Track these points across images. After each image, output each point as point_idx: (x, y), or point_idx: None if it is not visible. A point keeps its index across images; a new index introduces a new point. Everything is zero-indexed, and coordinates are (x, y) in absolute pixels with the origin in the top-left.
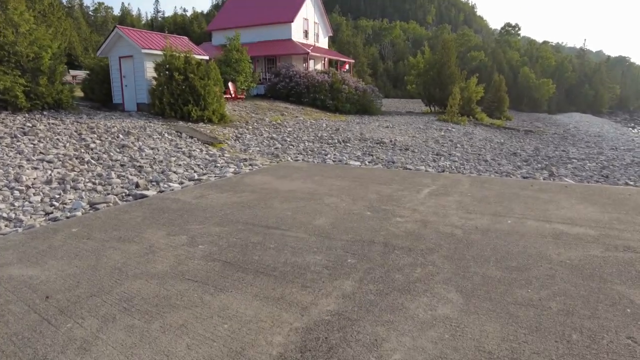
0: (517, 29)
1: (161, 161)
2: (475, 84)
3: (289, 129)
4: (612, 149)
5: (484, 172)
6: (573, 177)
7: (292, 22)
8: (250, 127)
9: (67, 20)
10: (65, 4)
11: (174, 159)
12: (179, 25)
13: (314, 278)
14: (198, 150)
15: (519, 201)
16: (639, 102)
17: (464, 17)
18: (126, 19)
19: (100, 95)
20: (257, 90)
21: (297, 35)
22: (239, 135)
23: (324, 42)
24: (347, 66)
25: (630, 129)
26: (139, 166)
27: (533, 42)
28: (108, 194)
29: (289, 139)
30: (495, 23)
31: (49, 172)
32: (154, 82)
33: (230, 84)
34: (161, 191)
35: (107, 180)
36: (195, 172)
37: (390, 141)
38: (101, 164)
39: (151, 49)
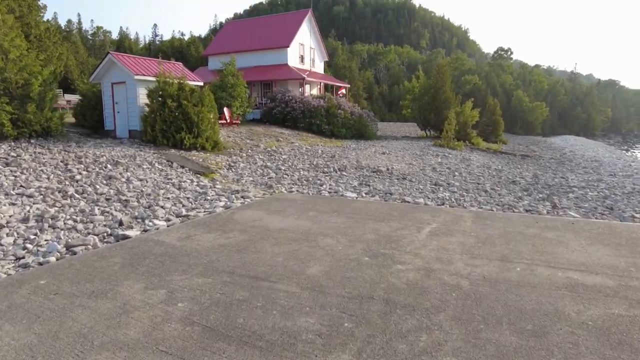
0: (509, 52)
1: (149, 194)
2: (470, 109)
3: (283, 157)
4: (611, 175)
5: (484, 204)
6: (577, 209)
7: (288, 47)
8: (245, 155)
9: (64, 44)
10: (63, 28)
11: (162, 191)
12: (176, 49)
13: (305, 350)
14: (189, 181)
15: (526, 242)
16: (630, 124)
17: (457, 41)
18: (124, 42)
19: (92, 121)
20: (253, 115)
21: (293, 60)
22: (233, 164)
23: (319, 67)
24: (342, 91)
25: (624, 151)
26: (125, 200)
27: (525, 66)
28: (89, 233)
29: (283, 168)
30: (488, 47)
31: (28, 208)
32: (147, 109)
33: (225, 109)
34: (145, 230)
35: (90, 217)
36: (183, 206)
37: (387, 169)
38: (85, 197)
39: (144, 75)
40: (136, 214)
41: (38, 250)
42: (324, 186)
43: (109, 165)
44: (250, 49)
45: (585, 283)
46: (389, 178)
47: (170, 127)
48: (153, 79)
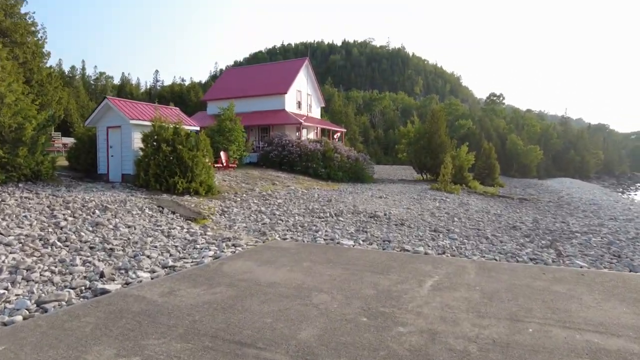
0: (501, 98)
1: (136, 242)
2: (465, 152)
3: (279, 201)
4: (612, 219)
5: (487, 252)
6: (583, 257)
7: (286, 93)
8: (239, 199)
9: (66, 89)
10: (67, 73)
11: (150, 239)
12: (176, 94)
13: None
14: (179, 227)
15: (535, 297)
16: (622, 167)
17: (450, 87)
18: (125, 87)
19: (85, 165)
20: (250, 158)
21: (290, 105)
22: (226, 209)
23: (316, 112)
24: (338, 134)
25: (620, 194)
26: (110, 249)
27: (517, 111)
28: (66, 286)
29: (278, 213)
30: (480, 92)
31: (3, 258)
32: (141, 153)
33: (222, 153)
34: (127, 283)
35: (70, 267)
36: (171, 255)
37: (385, 214)
38: (68, 246)
39: (140, 119)
40: (120, 264)
41: (5, 308)
42: (320, 233)
43: (97, 211)
44: (249, 95)
45: (608, 348)
46: (387, 224)
47: (164, 171)
48: (149, 123)
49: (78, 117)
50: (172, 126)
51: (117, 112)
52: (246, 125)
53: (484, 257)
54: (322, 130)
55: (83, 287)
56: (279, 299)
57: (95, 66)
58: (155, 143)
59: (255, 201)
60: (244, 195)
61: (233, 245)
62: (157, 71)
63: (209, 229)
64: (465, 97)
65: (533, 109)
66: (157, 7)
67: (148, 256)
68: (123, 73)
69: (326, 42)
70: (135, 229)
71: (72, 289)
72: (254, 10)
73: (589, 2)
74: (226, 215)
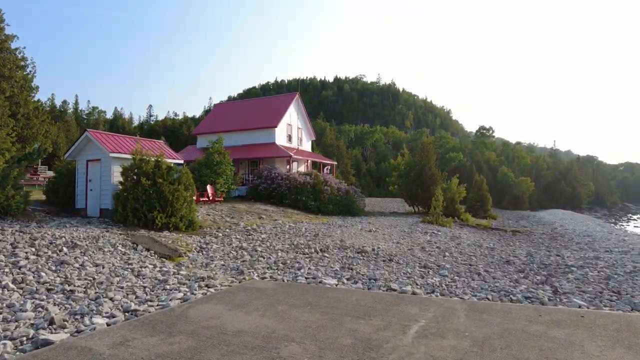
0: (490, 131)
1: (101, 283)
2: (456, 185)
3: (263, 236)
4: (607, 252)
5: (479, 290)
6: (580, 294)
7: (276, 127)
8: (221, 235)
9: (57, 123)
10: (58, 107)
11: (117, 279)
12: (168, 128)
13: None
14: (151, 266)
15: (532, 345)
16: (613, 197)
17: (440, 121)
18: (117, 121)
19: (63, 199)
20: (239, 191)
21: (280, 139)
22: (205, 245)
23: (307, 146)
24: (328, 167)
25: (612, 224)
26: (71, 290)
27: (507, 143)
28: (6, 336)
29: (260, 249)
30: (471, 126)
31: None
32: (120, 187)
33: (208, 187)
34: (79, 331)
35: (17, 313)
36: (137, 297)
37: (373, 250)
38: (22, 288)
39: (120, 152)
40: (77, 308)
41: None
42: (302, 271)
43: (64, 249)
44: (239, 128)
45: None
46: (375, 260)
47: (143, 205)
48: (129, 156)
49: (67, 150)
50: (153, 159)
51: (97, 144)
52: (236, 159)
53: (475, 295)
54: (313, 163)
55: (25, 337)
56: (244, 351)
57: (89, 101)
58: (135, 176)
59: (237, 236)
60: (227, 230)
61: (206, 285)
62: (150, 106)
63: (183, 268)
64: (455, 130)
65: (523, 141)
66: (153, 44)
67: (111, 298)
68: (116, 107)
69: (318, 79)
70: (103, 267)
71: (12, 339)
72: (248, 47)
73: (575, 38)
74: (204, 252)
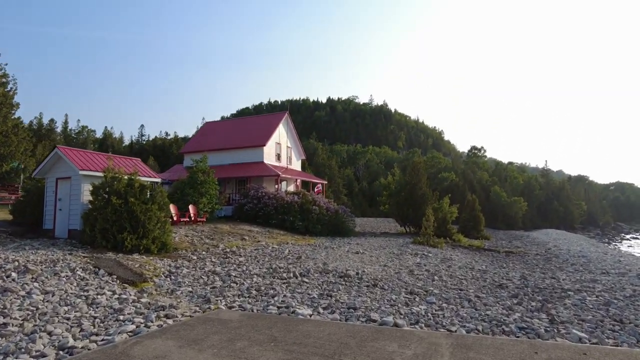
0: (482, 151)
1: (45, 313)
2: (448, 204)
3: (240, 259)
4: (604, 274)
5: (468, 320)
6: (579, 322)
7: (264, 145)
8: (195, 258)
9: (37, 141)
10: (45, 126)
11: (66, 308)
12: (159, 147)
13: None
14: (109, 293)
15: None
16: (606, 217)
17: (432, 141)
18: (107, 141)
19: (31, 219)
20: (225, 211)
21: (269, 158)
22: (175, 269)
23: (297, 165)
24: (318, 186)
25: (606, 244)
26: (4, 324)
27: (500, 163)
28: None
29: (234, 274)
30: (463, 146)
31: None
32: (90, 207)
33: (190, 207)
34: None
35: None
36: (81, 331)
37: (357, 274)
38: None
39: (91, 170)
40: (3, 346)
41: None
42: (276, 298)
43: (13, 274)
44: (227, 147)
45: None
46: (358, 285)
47: (112, 226)
48: (101, 174)
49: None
50: (126, 177)
51: (67, 162)
52: (224, 178)
53: (464, 326)
54: (303, 182)
55: None
56: None
57: (78, 120)
58: (106, 195)
59: (213, 260)
60: (204, 252)
61: (165, 316)
62: (142, 126)
63: (145, 295)
64: (447, 150)
65: (514, 161)
66: (147, 64)
67: (49, 333)
68: (106, 127)
69: (311, 99)
70: (53, 295)
71: None
72: (242, 68)
73: (564, 61)
74: (173, 277)
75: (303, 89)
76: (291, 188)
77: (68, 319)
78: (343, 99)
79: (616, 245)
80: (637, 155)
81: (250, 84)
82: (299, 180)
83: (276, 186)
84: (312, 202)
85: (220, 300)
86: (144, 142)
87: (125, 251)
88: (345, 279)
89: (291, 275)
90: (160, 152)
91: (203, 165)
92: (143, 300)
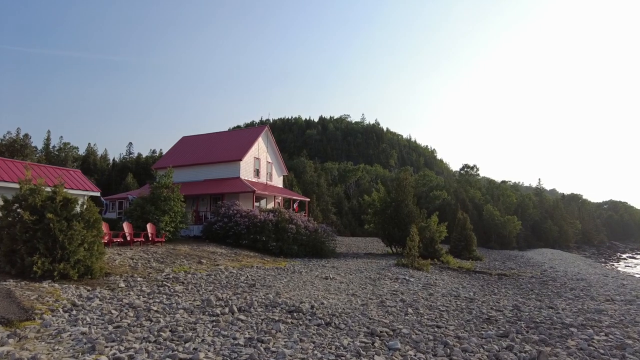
0: (475, 169)
1: None
2: (436, 223)
3: (178, 287)
4: (608, 301)
5: None
6: None
7: (241, 160)
8: (124, 285)
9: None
10: (20, 141)
11: None
12: (142, 165)
13: None
14: None
15: None
16: (600, 236)
17: (424, 160)
18: (89, 158)
19: None
20: (193, 231)
21: (246, 173)
22: (82, 302)
23: (278, 181)
24: (297, 203)
25: (603, 264)
26: None
27: (493, 182)
28: None
29: (155, 307)
30: (456, 165)
31: None
32: None
33: (148, 225)
34: None
35: None
36: None
37: (312, 307)
38: None
39: (4, 180)
40: None
41: None
42: (188, 345)
43: None
44: (202, 162)
45: None
46: (307, 323)
47: (22, 247)
48: (16, 185)
49: None
50: (47, 190)
51: None
52: (197, 195)
53: None
54: (286, 200)
55: None
56: None
57: (61, 136)
58: (19, 210)
59: (143, 288)
60: (140, 279)
61: None
62: (130, 143)
63: (16, 339)
64: (440, 169)
65: (507, 179)
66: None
67: None
68: (89, 143)
69: (303, 118)
70: None
71: None
72: (234, 87)
73: (556, 79)
74: (74, 312)
75: (296, 108)
76: (271, 206)
77: None
78: (335, 117)
79: (613, 265)
80: (629, 173)
81: (246, 102)
82: (281, 198)
83: (258, 203)
84: (289, 220)
85: (112, 347)
86: (127, 160)
87: (35, 278)
88: (295, 314)
89: (227, 310)
90: (142, 169)
91: (167, 180)
92: (4, 348)
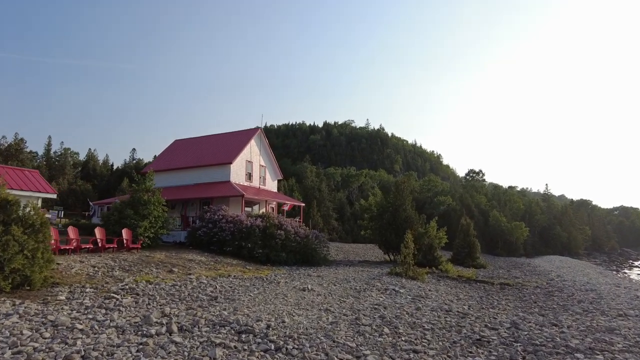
0: (481, 174)
1: None
2: (436, 229)
3: (126, 301)
4: (621, 316)
5: None
6: None
7: (232, 163)
8: (64, 298)
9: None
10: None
11: None
12: (141, 170)
13: None
14: None
15: None
16: (611, 242)
17: (429, 166)
18: (89, 163)
19: None
20: (177, 237)
21: (238, 177)
22: None
23: (272, 186)
24: (286, 205)
25: (614, 272)
26: None
27: (499, 187)
28: None
29: (81, 326)
30: (462, 171)
31: None
32: None
33: (124, 231)
34: None
35: None
36: None
37: (268, 326)
38: None
39: None
40: None
41: None
42: None
43: None
44: (192, 165)
45: None
46: (252, 348)
47: None
48: None
49: None
50: None
51: None
52: (186, 199)
53: None
54: (279, 204)
55: None
56: None
57: (62, 142)
58: None
59: (84, 302)
60: (90, 289)
61: None
62: (134, 149)
63: None
64: (446, 175)
65: (514, 185)
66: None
67: None
68: (90, 149)
69: (307, 124)
70: None
71: None
72: (238, 93)
73: (563, 83)
74: None
75: (299, 114)
76: (264, 210)
77: None
78: (339, 123)
79: (625, 273)
80: None
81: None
82: (274, 203)
83: (250, 209)
84: (278, 226)
85: None
86: (125, 165)
87: None
88: (243, 336)
89: (164, 330)
90: (141, 175)
91: (148, 184)
92: None
